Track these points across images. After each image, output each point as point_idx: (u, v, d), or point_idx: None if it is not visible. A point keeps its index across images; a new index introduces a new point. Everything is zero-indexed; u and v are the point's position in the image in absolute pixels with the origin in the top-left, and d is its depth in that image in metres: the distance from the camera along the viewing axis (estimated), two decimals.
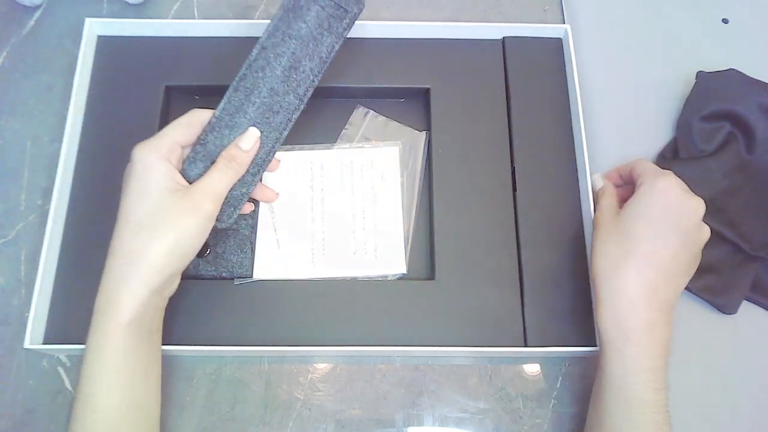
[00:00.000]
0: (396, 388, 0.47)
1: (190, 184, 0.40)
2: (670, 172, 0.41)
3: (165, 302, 0.40)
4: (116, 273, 0.37)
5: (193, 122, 0.41)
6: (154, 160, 0.38)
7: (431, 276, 0.48)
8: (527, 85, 0.53)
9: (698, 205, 0.40)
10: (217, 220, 0.40)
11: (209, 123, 0.42)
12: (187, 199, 0.38)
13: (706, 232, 0.41)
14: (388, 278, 0.48)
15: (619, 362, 0.39)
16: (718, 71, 0.54)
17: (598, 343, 0.44)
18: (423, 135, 0.52)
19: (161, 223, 0.37)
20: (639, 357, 0.39)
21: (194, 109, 0.42)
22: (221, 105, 0.42)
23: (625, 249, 0.40)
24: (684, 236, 0.40)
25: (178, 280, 0.41)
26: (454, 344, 0.45)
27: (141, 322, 0.37)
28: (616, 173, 0.47)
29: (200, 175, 0.41)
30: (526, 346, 0.46)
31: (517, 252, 0.48)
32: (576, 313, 0.47)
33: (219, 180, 0.40)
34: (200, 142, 0.42)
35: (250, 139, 0.42)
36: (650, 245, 0.39)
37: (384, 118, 0.53)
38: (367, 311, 0.46)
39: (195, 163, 0.41)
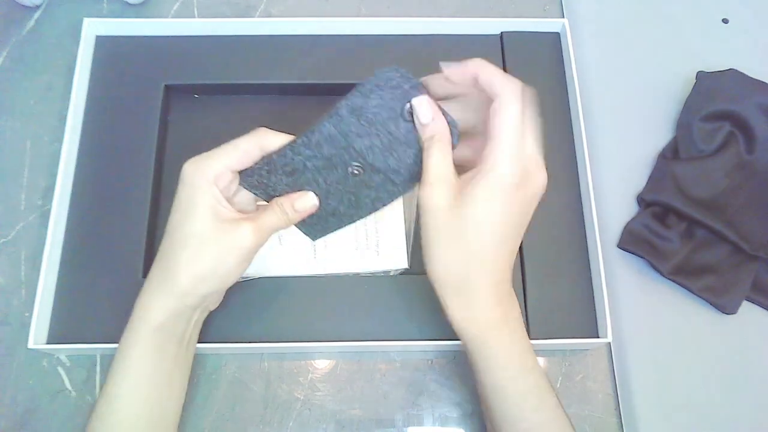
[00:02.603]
0: (396, 388, 0.47)
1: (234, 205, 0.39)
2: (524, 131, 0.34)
3: (203, 316, 0.41)
4: (154, 282, 0.38)
5: (252, 149, 0.37)
6: (203, 182, 0.37)
7: None
8: (526, 80, 0.52)
9: (545, 178, 0.35)
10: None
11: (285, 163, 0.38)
12: (232, 231, 0.37)
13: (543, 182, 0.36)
14: (390, 273, 0.48)
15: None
16: (718, 71, 0.54)
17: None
18: None
19: (202, 248, 0.37)
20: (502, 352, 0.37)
21: (260, 131, 0.38)
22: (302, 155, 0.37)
23: (471, 259, 0.35)
24: (528, 216, 0.36)
25: (219, 298, 0.43)
26: (456, 338, 0.45)
27: (170, 331, 0.38)
28: (444, 81, 0.37)
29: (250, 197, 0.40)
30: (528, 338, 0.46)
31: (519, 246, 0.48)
32: (577, 305, 0.47)
33: (269, 222, 0.38)
34: (268, 168, 0.38)
35: (305, 204, 0.39)
36: (500, 250, 0.35)
37: None
38: (369, 307, 0.46)
39: (252, 182, 0.39)
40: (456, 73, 0.37)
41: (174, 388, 0.39)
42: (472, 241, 0.34)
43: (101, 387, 0.38)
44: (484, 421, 0.41)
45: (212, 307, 0.42)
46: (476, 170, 0.34)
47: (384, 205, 0.39)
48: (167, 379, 0.39)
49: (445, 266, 0.36)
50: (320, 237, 0.42)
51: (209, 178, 0.37)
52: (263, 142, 0.37)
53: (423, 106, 0.35)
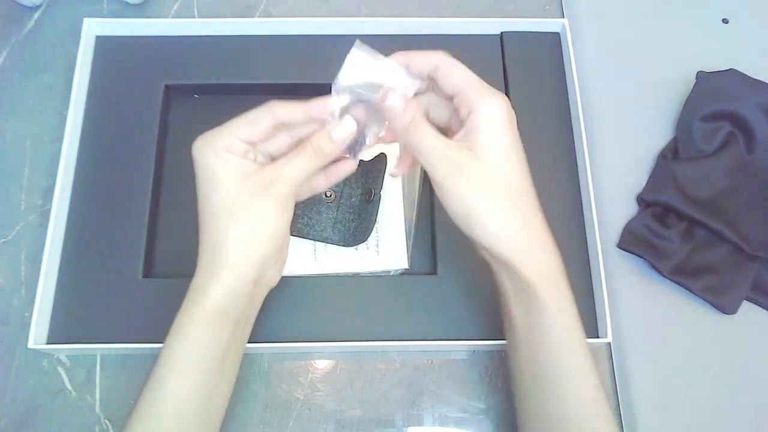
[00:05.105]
0: (396, 388, 0.47)
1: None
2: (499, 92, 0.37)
3: (262, 292, 0.40)
4: (204, 263, 0.36)
5: (261, 119, 0.37)
6: (213, 157, 0.36)
7: (433, 271, 0.48)
8: (526, 80, 0.53)
9: None
10: None
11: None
12: (260, 185, 0.36)
13: None
14: (390, 273, 0.48)
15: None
16: (718, 71, 0.54)
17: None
18: None
19: (236, 209, 0.36)
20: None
21: (271, 102, 0.37)
22: None
23: (522, 203, 0.37)
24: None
25: (277, 270, 0.40)
26: (456, 338, 0.45)
27: (228, 312, 0.36)
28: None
29: None
30: None
31: None
32: (577, 305, 0.46)
33: (298, 169, 0.37)
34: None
35: (343, 130, 0.37)
36: (530, 188, 0.37)
37: None
38: (369, 307, 0.46)
39: None
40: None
41: (225, 372, 0.38)
42: (517, 188, 0.37)
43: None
44: (518, 402, 0.39)
45: (273, 282, 0.40)
46: (468, 120, 0.36)
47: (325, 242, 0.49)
48: (219, 365, 0.37)
49: (503, 222, 0.36)
50: None
51: (219, 149, 0.36)
52: (275, 111, 0.37)
53: (391, 100, 0.36)
